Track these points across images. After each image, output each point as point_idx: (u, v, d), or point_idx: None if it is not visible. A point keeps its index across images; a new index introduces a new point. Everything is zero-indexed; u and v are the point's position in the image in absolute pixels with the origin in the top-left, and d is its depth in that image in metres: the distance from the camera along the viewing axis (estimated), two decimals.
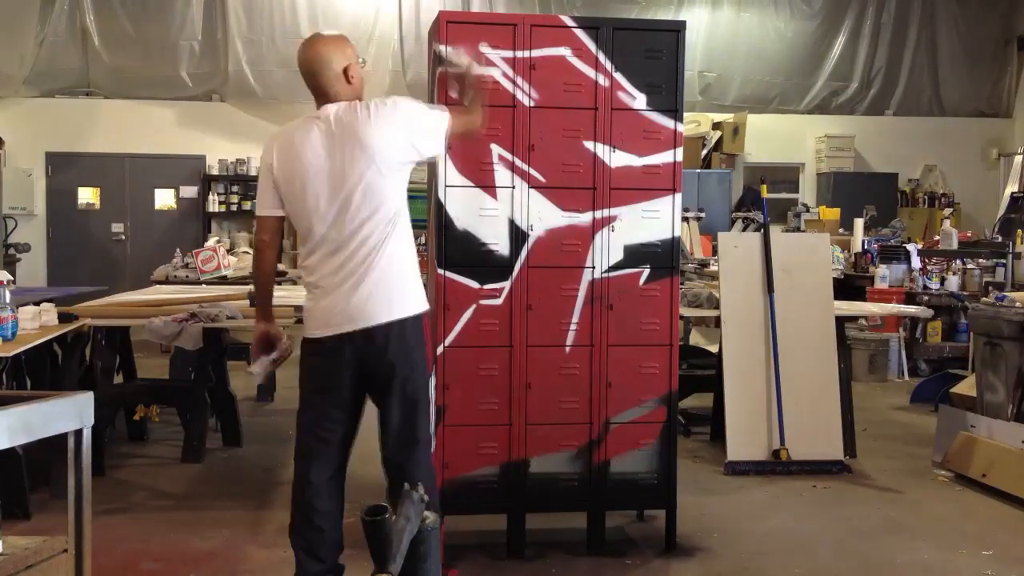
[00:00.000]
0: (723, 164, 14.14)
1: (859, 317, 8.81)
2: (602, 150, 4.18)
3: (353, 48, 3.43)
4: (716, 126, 14.31)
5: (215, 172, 13.42)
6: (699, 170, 13.77)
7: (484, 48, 4.06)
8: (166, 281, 8.47)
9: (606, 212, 4.20)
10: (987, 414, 5.72)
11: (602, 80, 4.16)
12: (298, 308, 6.11)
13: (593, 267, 4.20)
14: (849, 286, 9.57)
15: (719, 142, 14.21)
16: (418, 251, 3.50)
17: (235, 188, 13.42)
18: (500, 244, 4.15)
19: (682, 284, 6.37)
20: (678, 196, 4.28)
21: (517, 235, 4.16)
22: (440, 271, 4.10)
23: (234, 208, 13.39)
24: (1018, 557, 4.44)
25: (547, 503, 4.26)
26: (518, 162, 4.13)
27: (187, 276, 8.49)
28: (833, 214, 13.14)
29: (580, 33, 4.15)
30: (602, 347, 4.21)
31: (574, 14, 11.50)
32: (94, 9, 13.06)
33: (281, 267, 9.79)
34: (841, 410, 5.92)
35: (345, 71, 3.37)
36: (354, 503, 4.94)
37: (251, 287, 7.07)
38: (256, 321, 3.62)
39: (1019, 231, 9.87)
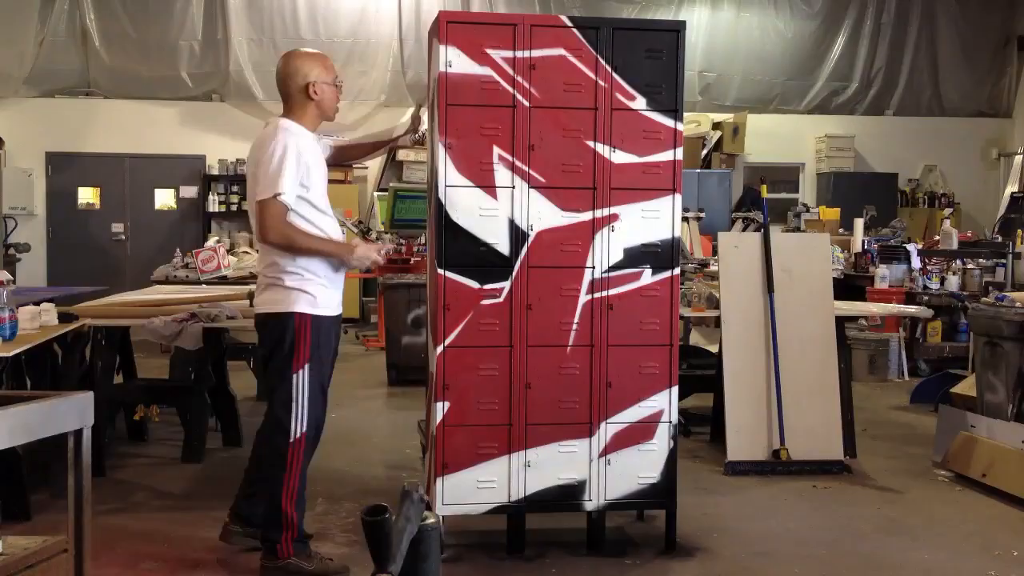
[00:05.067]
0: (723, 164, 14.14)
1: (859, 317, 8.81)
2: (602, 150, 4.18)
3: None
4: (716, 126, 14.31)
5: (215, 172, 13.42)
6: (699, 170, 13.77)
7: (484, 48, 4.07)
8: (166, 281, 8.46)
9: (606, 212, 4.20)
10: (987, 414, 5.72)
11: (602, 80, 4.16)
12: None
13: (593, 267, 4.20)
14: (849, 286, 9.56)
15: (719, 142, 14.21)
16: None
17: (235, 188, 13.40)
18: (500, 244, 4.15)
19: (682, 284, 6.36)
20: (678, 196, 4.28)
21: (517, 235, 4.15)
22: (440, 271, 4.10)
23: (234, 208, 13.38)
24: (1018, 557, 4.44)
25: (547, 503, 4.26)
26: (518, 162, 4.13)
27: (187, 276, 8.48)
28: (833, 214, 13.13)
29: (580, 33, 4.15)
30: (602, 347, 4.21)
31: (573, 14, 11.54)
32: (94, 9, 13.07)
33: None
34: (841, 410, 5.91)
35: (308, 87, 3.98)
36: (355, 503, 4.97)
37: (251, 287, 7.10)
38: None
39: (1019, 231, 9.88)
